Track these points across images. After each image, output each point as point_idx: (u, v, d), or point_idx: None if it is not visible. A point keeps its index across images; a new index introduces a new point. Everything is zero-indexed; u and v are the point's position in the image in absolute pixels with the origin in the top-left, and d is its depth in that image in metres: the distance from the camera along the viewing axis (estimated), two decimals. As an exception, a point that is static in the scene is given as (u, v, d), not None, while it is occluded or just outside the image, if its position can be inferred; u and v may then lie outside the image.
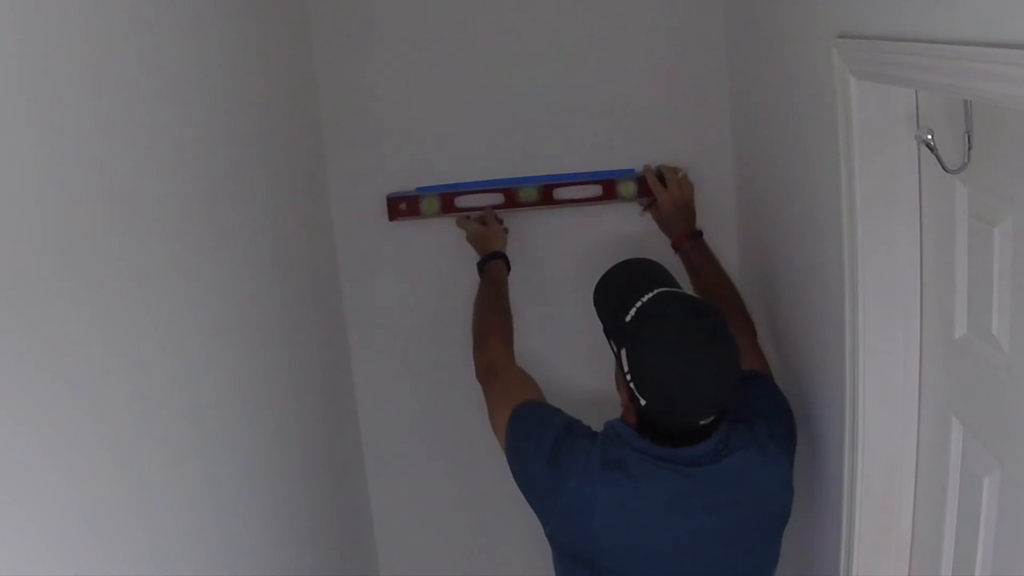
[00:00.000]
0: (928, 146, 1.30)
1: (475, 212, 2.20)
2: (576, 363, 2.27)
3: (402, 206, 2.21)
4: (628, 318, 1.54)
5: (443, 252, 2.27)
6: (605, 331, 1.63)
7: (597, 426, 1.63)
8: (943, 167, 1.29)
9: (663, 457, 1.52)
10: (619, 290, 1.63)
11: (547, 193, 2.21)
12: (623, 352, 1.52)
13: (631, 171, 2.20)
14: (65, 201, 0.95)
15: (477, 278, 2.11)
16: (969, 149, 1.24)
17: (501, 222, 2.22)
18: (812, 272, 1.71)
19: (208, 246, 1.38)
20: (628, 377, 1.51)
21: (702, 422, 1.51)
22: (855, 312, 1.48)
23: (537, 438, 1.61)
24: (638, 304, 1.54)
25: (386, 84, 2.18)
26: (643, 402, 1.49)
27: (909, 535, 1.56)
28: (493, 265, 2.11)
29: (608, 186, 2.19)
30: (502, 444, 1.69)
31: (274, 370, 1.68)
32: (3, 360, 0.81)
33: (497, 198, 2.20)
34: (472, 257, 2.16)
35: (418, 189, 2.22)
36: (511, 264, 2.13)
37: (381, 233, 2.24)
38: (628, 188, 2.18)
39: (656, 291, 1.56)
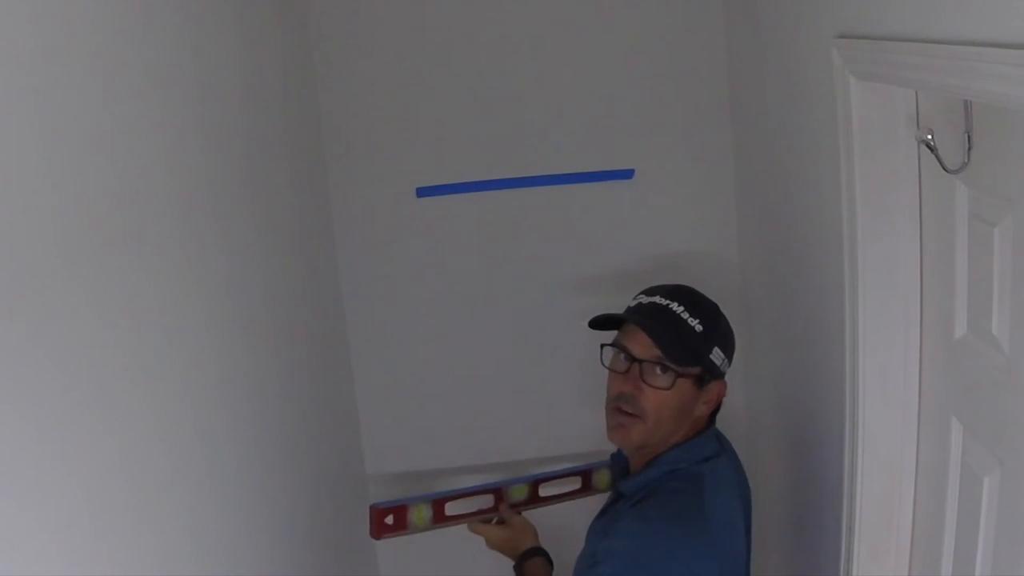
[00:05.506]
0: (928, 146, 1.30)
1: (470, 516, 1.96)
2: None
3: (388, 519, 1.90)
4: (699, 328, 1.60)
5: (443, 247, 2.27)
6: (696, 358, 1.60)
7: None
8: (943, 167, 1.29)
9: (710, 457, 1.62)
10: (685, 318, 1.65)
11: (535, 490, 2.00)
12: (715, 350, 1.61)
13: (631, 171, 2.20)
14: (74, 199, 0.95)
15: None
16: (969, 149, 1.24)
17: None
18: (812, 272, 1.71)
19: (216, 246, 1.38)
20: (728, 363, 1.63)
21: None
22: (855, 312, 1.48)
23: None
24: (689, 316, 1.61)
25: (385, 85, 2.18)
26: (729, 365, 1.64)
27: (909, 535, 1.56)
28: (531, 565, 1.83)
29: (585, 477, 2.03)
30: None
31: (279, 370, 1.68)
32: (10, 356, 0.81)
33: (487, 500, 1.98)
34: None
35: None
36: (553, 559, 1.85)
37: (378, 234, 2.24)
38: (603, 478, 2.03)
39: (655, 295, 1.65)
